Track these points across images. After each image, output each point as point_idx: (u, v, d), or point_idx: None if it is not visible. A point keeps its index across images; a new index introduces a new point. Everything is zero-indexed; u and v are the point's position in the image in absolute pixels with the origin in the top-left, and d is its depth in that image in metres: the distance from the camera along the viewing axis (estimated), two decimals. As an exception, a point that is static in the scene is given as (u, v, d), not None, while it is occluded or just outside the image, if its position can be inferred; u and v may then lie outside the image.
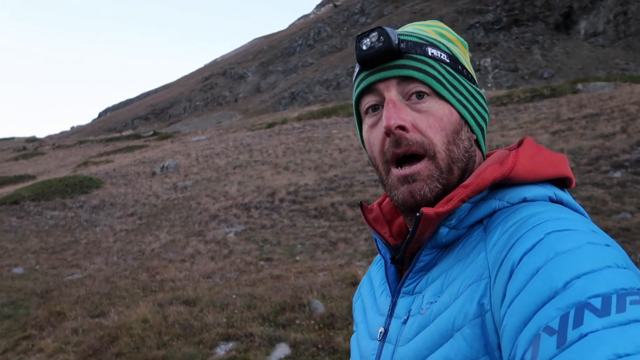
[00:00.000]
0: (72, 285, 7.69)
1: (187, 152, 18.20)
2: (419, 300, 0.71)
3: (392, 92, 0.72)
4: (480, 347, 0.59)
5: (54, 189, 14.96)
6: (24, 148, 39.03)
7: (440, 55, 0.74)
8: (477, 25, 41.06)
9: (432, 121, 0.72)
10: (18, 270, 9.10)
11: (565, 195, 0.71)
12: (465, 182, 0.70)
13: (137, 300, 6.32)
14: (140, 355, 4.71)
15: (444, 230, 0.70)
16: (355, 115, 0.82)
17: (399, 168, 0.73)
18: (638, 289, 0.51)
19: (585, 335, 0.47)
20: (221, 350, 4.58)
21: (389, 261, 0.80)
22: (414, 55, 0.73)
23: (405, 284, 0.75)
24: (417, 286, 0.73)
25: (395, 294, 0.77)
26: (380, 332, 0.76)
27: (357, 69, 0.78)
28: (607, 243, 0.57)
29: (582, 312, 0.49)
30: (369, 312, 0.84)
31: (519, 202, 0.68)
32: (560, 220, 0.60)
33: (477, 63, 36.69)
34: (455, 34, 0.82)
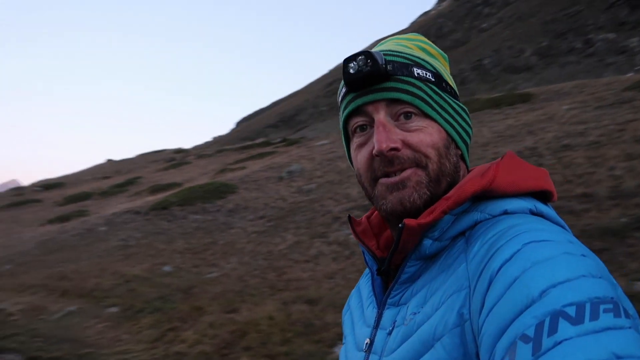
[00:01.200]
0: (210, 283, 8.45)
1: (312, 157, 18.89)
2: (404, 312, 0.72)
3: (381, 114, 0.75)
4: (459, 355, 0.61)
5: (196, 195, 16.52)
6: (173, 159, 43.49)
7: (426, 74, 0.76)
8: (620, 2, 36.65)
9: (422, 137, 0.75)
10: (167, 268, 10.23)
11: (546, 208, 0.72)
12: (448, 195, 0.72)
13: (264, 298, 6.76)
14: (266, 350, 5.05)
15: (427, 242, 0.72)
16: (342, 134, 0.84)
17: (387, 177, 0.75)
18: (611, 298, 0.53)
19: (560, 342, 0.49)
20: (339, 349, 4.73)
21: (375, 273, 0.82)
22: (401, 77, 0.75)
23: (391, 296, 0.77)
24: (402, 297, 0.75)
25: (381, 305, 0.79)
26: (366, 343, 0.78)
27: (343, 89, 0.80)
28: (583, 253, 0.59)
29: (557, 320, 0.51)
30: (357, 324, 0.86)
31: (500, 214, 0.70)
32: (538, 231, 0.62)
33: (622, 44, 32.70)
34: (436, 47, 0.84)
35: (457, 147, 0.79)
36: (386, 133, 0.73)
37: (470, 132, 0.83)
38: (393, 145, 0.73)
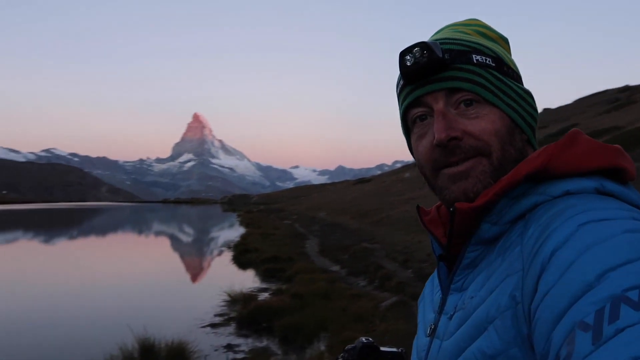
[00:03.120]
0: None
1: None
2: (465, 296, 0.72)
3: (440, 104, 0.74)
4: (510, 338, 0.59)
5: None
6: (617, 99, 38.74)
7: (485, 60, 0.75)
8: None
9: (484, 125, 0.73)
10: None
11: (617, 187, 0.65)
12: (503, 177, 0.69)
13: None
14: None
15: (485, 226, 0.70)
16: (402, 126, 0.83)
17: (450, 167, 0.74)
18: None
19: (622, 329, 0.46)
20: None
21: (437, 259, 0.82)
22: (459, 65, 0.73)
23: (454, 281, 0.76)
24: (465, 283, 0.74)
25: (445, 291, 0.78)
26: (431, 327, 0.79)
27: (400, 82, 0.79)
28: None
29: (618, 305, 0.48)
30: (426, 310, 0.87)
31: (561, 195, 0.65)
32: (597, 210, 0.58)
33: None
34: (496, 30, 0.81)
35: (523, 132, 0.77)
36: (446, 122, 0.72)
37: (536, 116, 0.80)
38: (453, 134, 0.72)
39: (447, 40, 0.76)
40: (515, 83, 0.77)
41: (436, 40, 0.77)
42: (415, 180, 32.38)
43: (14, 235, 31.22)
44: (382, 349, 1.15)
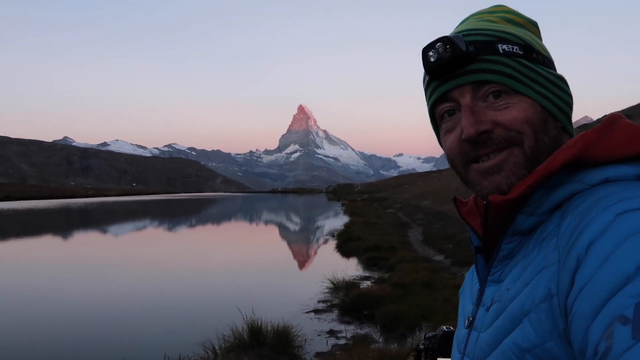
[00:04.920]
0: None
1: None
2: (502, 288, 0.71)
3: (467, 98, 0.72)
4: (545, 332, 0.59)
5: None
6: None
7: (513, 48, 0.72)
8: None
9: (515, 114, 0.71)
10: None
11: None
12: (537, 168, 0.67)
13: None
14: None
15: (521, 218, 0.69)
16: (431, 122, 0.83)
17: (480, 162, 0.73)
18: None
19: None
20: None
21: (475, 251, 0.81)
22: (485, 57, 0.72)
23: (491, 273, 0.75)
24: (502, 274, 0.73)
25: (483, 283, 0.78)
26: (469, 319, 0.78)
27: (426, 78, 0.78)
28: None
29: None
30: (466, 301, 0.86)
31: (600, 183, 0.63)
32: (637, 198, 0.57)
33: None
34: (524, 15, 0.79)
35: (557, 119, 0.74)
36: (474, 116, 0.72)
37: (570, 102, 0.76)
38: (483, 128, 0.71)
39: (471, 31, 0.74)
40: (546, 69, 0.75)
41: (460, 32, 0.75)
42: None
43: (144, 223, 34.61)
44: None
